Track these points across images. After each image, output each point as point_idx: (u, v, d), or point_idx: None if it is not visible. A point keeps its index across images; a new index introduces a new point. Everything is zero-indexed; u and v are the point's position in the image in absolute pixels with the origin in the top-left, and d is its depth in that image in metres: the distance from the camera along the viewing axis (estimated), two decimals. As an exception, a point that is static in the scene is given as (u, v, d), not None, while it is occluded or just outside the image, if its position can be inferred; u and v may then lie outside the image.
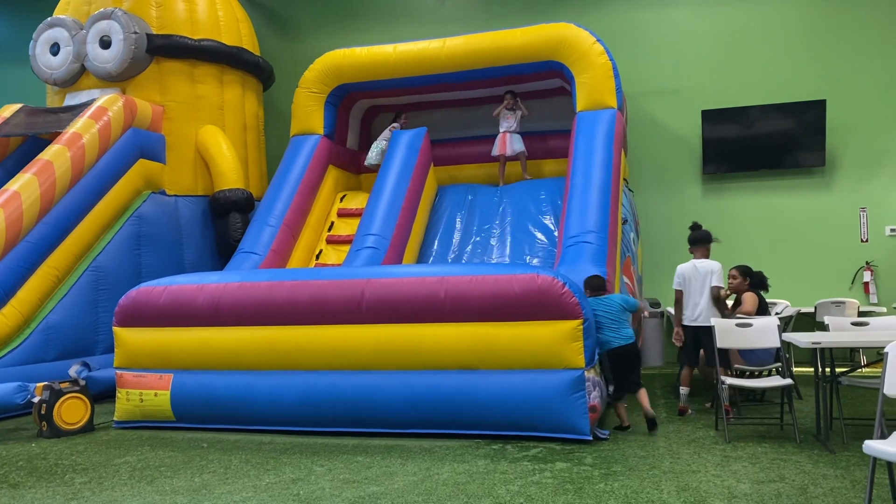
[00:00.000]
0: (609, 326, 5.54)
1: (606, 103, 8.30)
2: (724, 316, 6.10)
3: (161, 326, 6.19)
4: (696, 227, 6.55)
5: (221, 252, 9.51)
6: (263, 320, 5.90)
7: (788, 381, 5.34)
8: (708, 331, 5.99)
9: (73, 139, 8.09)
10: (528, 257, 8.27)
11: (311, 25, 11.50)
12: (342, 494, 4.16)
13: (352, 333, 5.69)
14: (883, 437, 3.44)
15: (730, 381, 5.50)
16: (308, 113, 9.48)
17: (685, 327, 6.26)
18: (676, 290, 6.32)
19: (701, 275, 6.16)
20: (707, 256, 6.33)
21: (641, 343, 8.90)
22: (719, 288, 6.10)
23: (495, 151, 9.30)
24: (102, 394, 7.16)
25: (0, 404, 6.35)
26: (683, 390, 6.21)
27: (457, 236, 8.88)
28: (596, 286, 5.78)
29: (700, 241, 6.38)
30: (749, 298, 6.44)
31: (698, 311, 6.15)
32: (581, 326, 5.22)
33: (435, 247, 8.85)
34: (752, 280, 6.63)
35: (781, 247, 9.56)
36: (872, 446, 3.18)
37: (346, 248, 8.63)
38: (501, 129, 9.28)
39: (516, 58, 8.80)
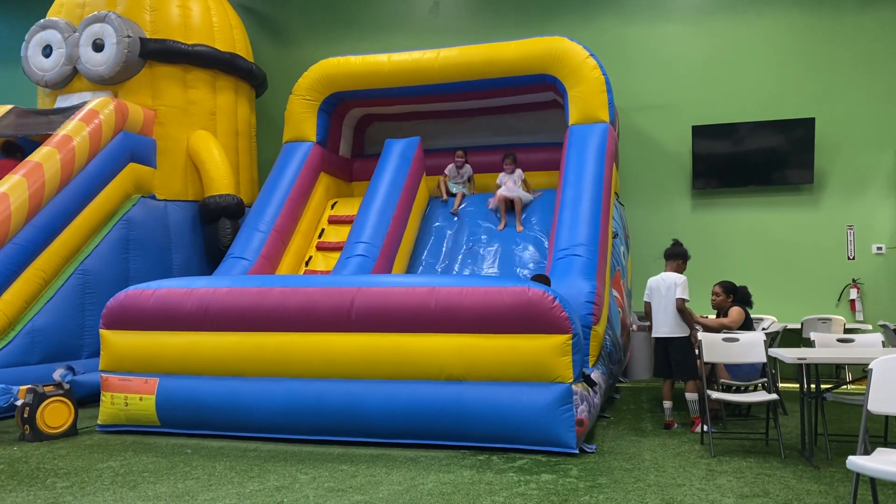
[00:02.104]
0: None
1: (599, 117, 8.34)
2: (693, 328, 6.13)
3: (148, 330, 6.15)
4: (675, 243, 6.63)
5: (210, 258, 9.48)
6: (252, 326, 5.88)
7: (774, 396, 5.36)
8: (674, 342, 6.09)
9: (63, 141, 8.06)
10: (518, 269, 8.28)
11: (304, 33, 11.52)
12: (326, 503, 4.14)
13: (340, 341, 5.67)
14: (866, 452, 3.46)
15: (715, 395, 5.53)
16: (301, 120, 9.49)
17: (656, 339, 6.30)
18: (645, 303, 6.41)
19: (665, 287, 6.20)
20: (678, 271, 6.35)
21: (629, 356, 8.95)
22: (683, 300, 6.12)
23: (492, 204, 9.03)
24: (87, 398, 7.09)
25: (-18, 407, 6.31)
26: (667, 404, 6.22)
27: (447, 246, 8.89)
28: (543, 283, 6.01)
29: (672, 257, 6.45)
30: (734, 312, 6.46)
31: (664, 323, 6.18)
32: (570, 341, 5.22)
33: (425, 256, 8.86)
34: (737, 296, 6.66)
35: (769, 263, 9.62)
36: (856, 462, 3.20)
37: (336, 255, 8.62)
38: (500, 192, 8.96)
39: (510, 70, 8.84)
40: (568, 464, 4.94)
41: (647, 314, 6.42)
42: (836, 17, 9.67)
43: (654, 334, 6.28)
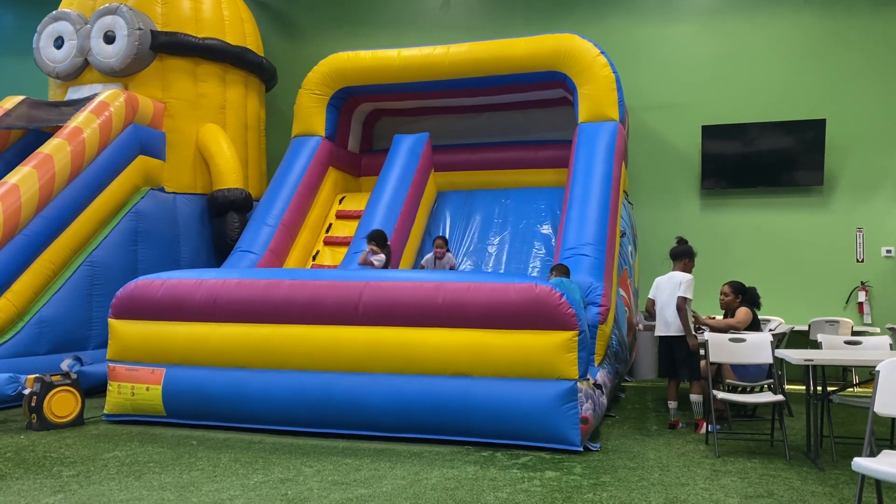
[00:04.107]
0: None
1: (608, 115, 8.32)
2: (688, 329, 6.04)
3: (157, 320, 6.18)
4: (681, 241, 6.55)
5: (218, 251, 9.51)
6: (260, 318, 5.90)
7: (780, 397, 5.34)
8: (679, 341, 6.03)
9: (73, 133, 8.10)
10: (528, 267, 8.28)
11: (315, 28, 11.54)
12: (330, 496, 4.15)
13: (347, 335, 5.68)
14: (872, 454, 3.45)
15: (721, 395, 5.51)
16: (310, 114, 9.50)
17: (660, 338, 6.27)
18: (648, 299, 6.38)
19: (670, 286, 6.15)
20: (686, 270, 6.28)
21: (635, 356, 8.93)
22: (684, 299, 6.01)
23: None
24: (93, 388, 7.14)
25: (-9, 395, 6.35)
26: (672, 404, 6.20)
27: (455, 242, 8.89)
28: (564, 271, 6.38)
29: (679, 256, 6.37)
30: (741, 312, 6.43)
31: (668, 322, 6.11)
32: (576, 338, 5.22)
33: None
34: (745, 297, 6.63)
35: (777, 264, 9.58)
36: (861, 464, 3.18)
37: (344, 249, 8.64)
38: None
39: (520, 67, 8.83)
40: (572, 461, 4.94)
41: (648, 311, 6.40)
42: (848, 17, 9.62)
43: (658, 333, 6.24)
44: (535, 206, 8.98)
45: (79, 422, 6.15)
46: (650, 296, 6.37)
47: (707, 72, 10.05)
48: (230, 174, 9.39)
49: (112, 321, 6.34)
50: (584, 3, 10.52)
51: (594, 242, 7.08)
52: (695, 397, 6.00)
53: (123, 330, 6.29)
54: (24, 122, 8.72)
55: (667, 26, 10.23)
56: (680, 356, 6.05)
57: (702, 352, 6.07)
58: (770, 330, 7.03)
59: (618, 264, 7.46)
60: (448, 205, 9.43)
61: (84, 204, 8.11)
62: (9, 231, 7.33)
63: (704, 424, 5.80)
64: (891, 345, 5.67)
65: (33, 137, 8.93)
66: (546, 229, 8.67)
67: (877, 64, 9.50)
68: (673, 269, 6.37)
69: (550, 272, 6.60)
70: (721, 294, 6.69)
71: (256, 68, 10.19)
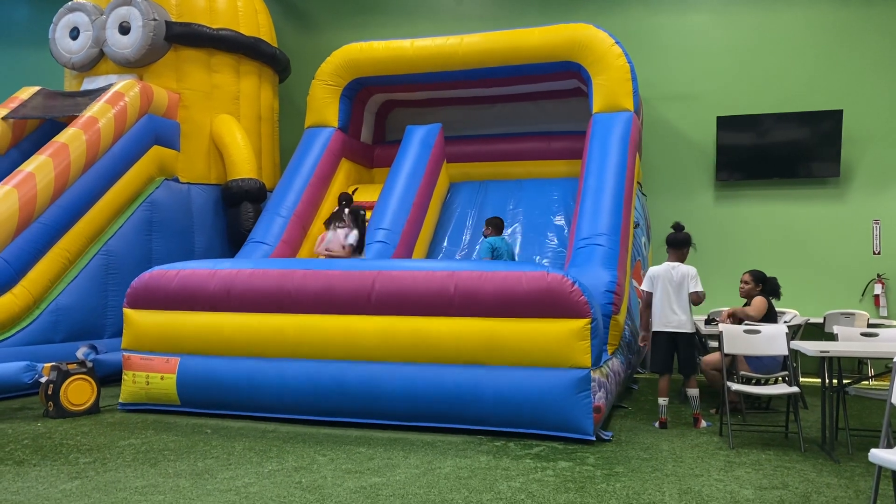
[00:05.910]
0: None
1: (623, 106, 8.27)
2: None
3: (171, 310, 6.21)
4: (678, 227, 6.12)
5: (232, 241, 9.54)
6: (273, 308, 5.92)
7: (795, 389, 5.31)
8: (687, 337, 5.85)
9: (89, 123, 8.14)
10: (538, 257, 8.27)
11: (328, 18, 11.52)
12: (344, 484, 4.17)
13: (360, 324, 5.69)
14: (889, 446, 3.42)
15: (735, 387, 5.47)
16: (323, 105, 9.50)
17: (659, 333, 5.89)
18: (646, 293, 5.95)
19: (678, 279, 5.83)
20: (682, 260, 5.99)
21: (647, 347, 8.89)
22: (698, 293, 5.81)
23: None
24: (109, 377, 7.20)
25: (8, 383, 6.42)
26: (663, 401, 5.84)
27: (467, 233, 8.89)
28: (499, 225, 6.90)
29: (681, 244, 6.02)
30: (757, 302, 6.38)
31: (677, 317, 5.79)
32: (589, 326, 5.21)
33: (445, 243, 8.86)
34: (765, 287, 6.59)
35: (792, 256, 9.50)
36: (878, 455, 3.16)
37: (357, 240, 8.64)
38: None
39: (533, 57, 8.79)
40: (585, 451, 4.93)
41: (647, 305, 5.98)
42: (866, 6, 9.48)
43: (663, 328, 5.84)
44: (548, 197, 8.94)
45: (94, 410, 6.21)
46: (647, 288, 5.95)
47: (723, 62, 9.95)
48: (244, 164, 9.41)
49: (127, 311, 6.38)
50: (598, -7, 10.45)
51: (608, 233, 7.05)
52: (693, 391, 5.85)
53: (138, 319, 6.33)
54: (39, 113, 8.78)
55: (682, 16, 10.14)
56: (685, 351, 5.86)
57: (714, 344, 6.00)
58: (785, 322, 6.98)
59: (631, 255, 7.44)
60: (461, 196, 9.41)
61: (99, 193, 8.15)
62: (25, 219, 7.39)
63: (701, 418, 5.78)
64: (908, 337, 5.60)
65: (49, 127, 8.98)
66: (559, 220, 8.64)
67: (894, 55, 9.37)
68: (670, 258, 6.01)
69: (486, 225, 7.12)
70: (741, 282, 6.64)
71: (270, 59, 10.20)
